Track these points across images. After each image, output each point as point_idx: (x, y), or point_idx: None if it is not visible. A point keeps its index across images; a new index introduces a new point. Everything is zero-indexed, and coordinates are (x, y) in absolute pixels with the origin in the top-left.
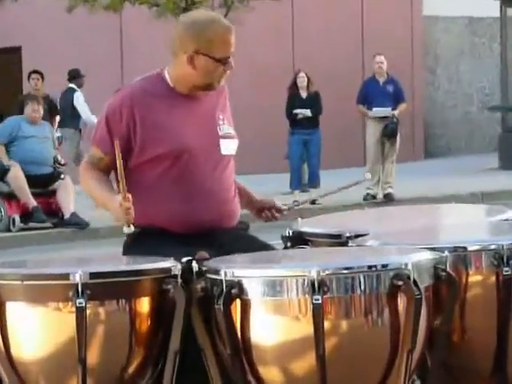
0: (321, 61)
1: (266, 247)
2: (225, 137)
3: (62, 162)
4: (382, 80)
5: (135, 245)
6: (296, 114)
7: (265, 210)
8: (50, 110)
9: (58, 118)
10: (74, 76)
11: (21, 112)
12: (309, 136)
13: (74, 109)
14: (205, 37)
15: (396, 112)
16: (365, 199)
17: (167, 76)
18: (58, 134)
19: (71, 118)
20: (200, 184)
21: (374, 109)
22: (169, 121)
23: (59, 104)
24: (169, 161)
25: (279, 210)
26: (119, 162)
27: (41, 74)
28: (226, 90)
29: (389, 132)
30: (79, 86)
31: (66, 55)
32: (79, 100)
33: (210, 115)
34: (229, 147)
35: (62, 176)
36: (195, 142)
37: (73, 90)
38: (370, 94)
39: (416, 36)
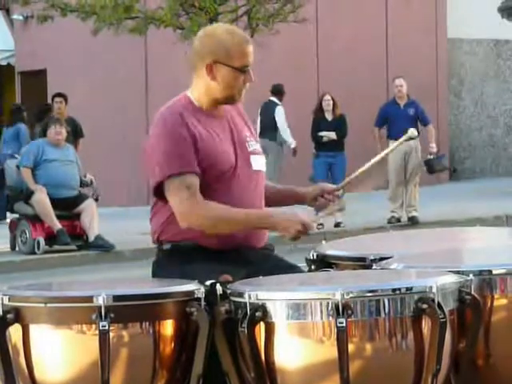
0: (345, 83)
1: (292, 268)
2: (254, 153)
3: (90, 181)
4: (402, 103)
5: (166, 263)
6: (321, 137)
7: (319, 198)
8: (75, 133)
9: (81, 141)
10: (279, 90)
11: (44, 135)
12: (333, 159)
13: (274, 121)
14: (222, 46)
15: (433, 146)
16: (389, 222)
17: (192, 97)
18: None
19: (271, 129)
20: (235, 200)
21: (391, 142)
22: (207, 140)
23: (259, 114)
24: (207, 177)
25: (333, 192)
26: None
27: (64, 96)
28: (242, 108)
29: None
30: (280, 101)
31: (90, 78)
32: (279, 114)
33: (239, 132)
34: (259, 163)
35: (94, 196)
36: (230, 159)
37: (275, 104)
38: (391, 117)
39: (441, 59)
